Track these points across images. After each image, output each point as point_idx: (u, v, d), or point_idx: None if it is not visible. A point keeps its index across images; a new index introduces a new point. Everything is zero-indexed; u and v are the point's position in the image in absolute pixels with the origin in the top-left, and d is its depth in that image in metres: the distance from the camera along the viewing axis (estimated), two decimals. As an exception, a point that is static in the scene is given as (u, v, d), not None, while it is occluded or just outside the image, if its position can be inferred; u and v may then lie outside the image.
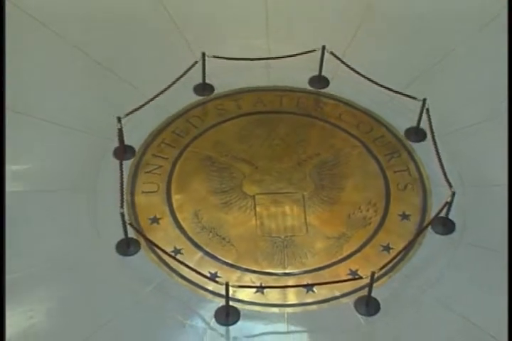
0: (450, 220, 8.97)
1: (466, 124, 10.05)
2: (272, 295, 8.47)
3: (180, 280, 8.61)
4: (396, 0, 11.92)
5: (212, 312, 8.29)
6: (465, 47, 11.19)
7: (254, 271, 8.71)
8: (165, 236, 8.97)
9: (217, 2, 11.74)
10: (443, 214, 8.81)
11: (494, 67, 10.82)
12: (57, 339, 8.26)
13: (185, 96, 10.35)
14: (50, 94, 10.51)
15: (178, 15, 11.48)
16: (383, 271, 8.38)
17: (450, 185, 8.77)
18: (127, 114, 9.30)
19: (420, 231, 8.85)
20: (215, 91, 10.57)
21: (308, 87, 10.64)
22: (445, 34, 11.42)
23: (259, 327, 8.32)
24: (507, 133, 9.97)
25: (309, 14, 11.58)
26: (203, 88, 10.52)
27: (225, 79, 10.53)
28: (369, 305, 8.31)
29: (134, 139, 9.81)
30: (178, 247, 8.83)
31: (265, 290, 8.48)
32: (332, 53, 10.15)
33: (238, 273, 8.68)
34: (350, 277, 8.49)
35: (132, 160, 9.69)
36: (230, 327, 8.23)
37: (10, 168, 9.53)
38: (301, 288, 8.47)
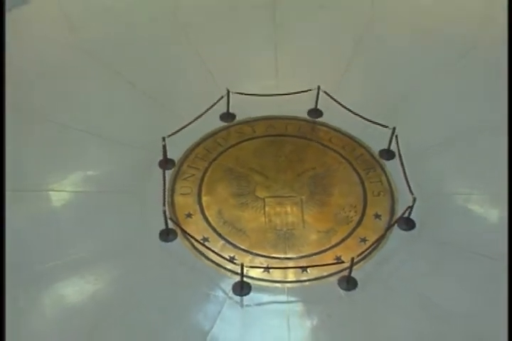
0: (411, 220, 9.34)
1: (426, 147, 10.28)
2: (276, 274, 8.88)
3: (206, 261, 9.00)
4: (374, 49, 11.98)
5: (231, 286, 8.71)
6: (429, 84, 11.32)
7: (262, 255, 9.10)
8: (196, 227, 9.32)
9: (242, 52, 11.89)
10: (406, 215, 9.22)
11: (451, 101, 11.08)
12: (117, 300, 8.62)
13: (213, 122, 10.59)
14: (111, 118, 10.75)
15: (209, 61, 11.61)
16: (360, 257, 8.83)
17: (412, 193, 9.15)
18: (169, 135, 9.64)
19: (389, 227, 9.26)
20: (236, 119, 10.81)
21: (307, 117, 10.90)
22: (414, 72, 11.52)
23: (265, 297, 8.72)
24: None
25: (309, 61, 11.72)
26: (227, 116, 10.78)
27: (244, 109, 10.70)
28: (349, 283, 8.73)
29: (174, 154, 10.09)
30: (206, 236, 9.22)
31: (271, 270, 8.87)
32: (325, 92, 10.45)
33: (250, 256, 9.05)
34: (335, 261, 8.90)
35: (172, 169, 10.01)
36: (244, 297, 8.66)
37: (85, 173, 9.98)
38: (298, 269, 8.88)
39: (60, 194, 9.73)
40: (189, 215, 9.52)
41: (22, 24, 12.16)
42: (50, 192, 9.73)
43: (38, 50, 11.80)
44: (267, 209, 9.61)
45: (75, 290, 8.68)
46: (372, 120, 10.17)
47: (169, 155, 9.99)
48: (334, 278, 8.84)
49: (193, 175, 10.03)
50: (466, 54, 11.75)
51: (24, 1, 12.36)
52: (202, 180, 9.98)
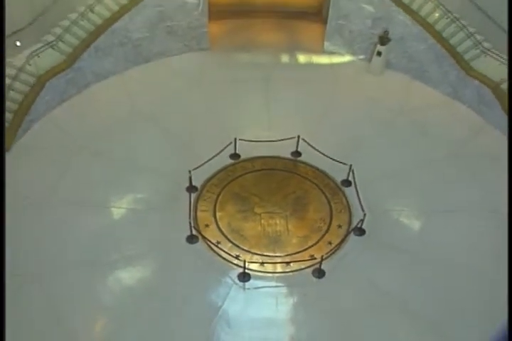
0: (363, 229, 9.71)
1: (373, 178, 10.57)
2: (268, 267, 9.22)
3: (219, 258, 9.30)
4: (338, 110, 12.20)
5: (236, 275, 9.08)
6: (376, 134, 11.55)
7: (259, 254, 9.39)
8: (212, 234, 9.60)
9: (245, 111, 12.09)
10: (359, 225, 9.61)
11: (390, 146, 11.30)
12: (156, 283, 8.92)
13: (224, 160, 10.83)
14: (155, 157, 10.93)
15: (222, 117, 11.88)
16: (327, 255, 9.18)
17: (363, 210, 9.60)
18: (194, 169, 10.02)
19: (347, 234, 9.63)
20: (241, 158, 11.04)
21: (291, 157, 11.14)
22: (364, 125, 11.78)
23: (260, 283, 9.07)
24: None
25: (292, 118, 11.94)
26: (234, 156, 10.98)
27: (246, 151, 10.96)
28: (319, 273, 9.11)
29: (197, 182, 10.36)
30: (219, 240, 9.51)
31: (265, 264, 9.22)
32: (303, 139, 10.82)
33: (250, 255, 9.36)
34: (310, 258, 9.21)
35: (196, 193, 10.29)
36: (246, 283, 9.01)
37: (135, 195, 10.20)
38: (284, 263, 9.21)
39: (119, 210, 10.07)
40: (207, 225, 9.81)
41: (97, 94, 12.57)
42: (112, 209, 10.06)
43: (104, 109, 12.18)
44: (262, 221, 9.89)
45: (128, 275, 9.07)
46: (336, 159, 10.51)
47: (193, 183, 10.28)
48: (309, 270, 9.19)
49: (210, 197, 10.31)
50: (400, 114, 12.15)
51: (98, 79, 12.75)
52: (216, 200, 10.23)
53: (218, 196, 10.32)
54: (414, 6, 12.56)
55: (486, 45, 12.07)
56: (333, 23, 13.47)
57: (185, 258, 9.30)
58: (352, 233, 9.64)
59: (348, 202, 10.25)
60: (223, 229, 9.74)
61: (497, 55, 11.70)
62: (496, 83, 11.65)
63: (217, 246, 9.32)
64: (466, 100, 12.30)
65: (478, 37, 12.21)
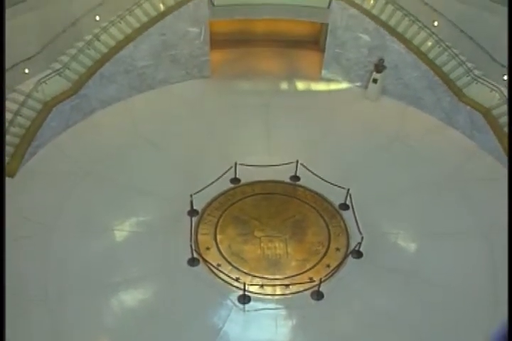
0: (360, 251, 9.81)
1: (370, 201, 10.70)
2: (268, 289, 9.29)
3: (219, 280, 9.37)
4: (335, 136, 12.37)
5: (236, 297, 9.15)
6: (371, 160, 11.73)
7: (258, 277, 9.46)
8: (212, 257, 9.68)
9: (246, 136, 12.29)
10: (357, 248, 9.70)
11: (385, 171, 11.44)
12: (158, 304, 8.96)
13: (225, 184, 11.00)
14: (157, 180, 11.02)
15: (223, 142, 12.09)
16: (326, 277, 9.26)
17: (360, 233, 9.71)
18: (195, 193, 10.15)
19: (345, 257, 9.71)
20: (241, 182, 11.17)
21: (290, 181, 11.29)
22: (361, 152, 11.89)
23: (260, 305, 9.14)
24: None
25: (291, 143, 12.15)
26: (235, 180, 11.19)
27: (246, 175, 11.08)
28: (318, 295, 9.20)
29: (198, 206, 10.49)
30: (219, 263, 9.59)
31: (264, 287, 9.28)
32: (302, 164, 10.99)
33: (250, 277, 9.43)
34: (309, 281, 9.30)
35: (197, 216, 10.40)
36: (246, 305, 9.08)
37: (138, 218, 10.33)
38: (283, 286, 9.27)
39: (121, 233, 10.21)
40: (208, 248, 9.91)
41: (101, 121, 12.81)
42: (115, 232, 10.21)
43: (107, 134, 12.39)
44: (262, 244, 9.97)
45: (130, 297, 9.18)
46: (334, 183, 10.66)
47: (194, 207, 10.42)
48: (308, 292, 9.27)
49: (211, 220, 10.43)
50: (395, 139, 12.37)
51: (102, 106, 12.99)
52: (217, 224, 10.35)
53: (219, 219, 10.43)
54: (408, 35, 12.99)
55: (476, 72, 12.45)
56: (330, 51, 13.87)
57: (187, 280, 9.38)
58: (350, 256, 9.73)
59: (345, 225, 10.37)
60: (224, 252, 9.82)
61: (487, 81, 12.04)
62: (487, 109, 11.97)
63: (217, 268, 9.40)
64: (459, 126, 12.60)
65: (470, 65, 12.60)
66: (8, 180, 10.50)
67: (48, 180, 11.01)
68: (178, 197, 10.57)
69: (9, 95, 11.56)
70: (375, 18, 12.95)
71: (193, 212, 10.42)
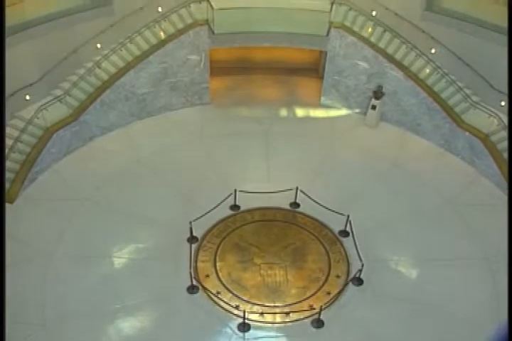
0: (361, 278, 9.80)
1: (370, 228, 10.75)
2: (268, 317, 9.27)
3: (219, 308, 9.36)
4: (333, 164, 12.46)
5: (236, 325, 9.13)
6: (370, 186, 11.77)
7: (258, 304, 9.46)
8: (212, 284, 9.68)
9: (244, 163, 12.32)
10: (357, 275, 9.70)
11: (385, 198, 11.53)
12: (157, 332, 8.92)
13: (224, 211, 11.03)
14: (154, 206, 11.03)
15: (222, 169, 12.12)
16: (326, 305, 9.27)
17: (361, 260, 9.71)
18: (194, 220, 10.17)
19: (345, 284, 9.71)
20: (241, 209, 11.22)
21: (289, 208, 11.32)
22: (360, 178, 12.00)
23: (260, 333, 9.12)
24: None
25: (290, 170, 12.17)
26: (234, 207, 11.24)
27: (246, 202, 11.13)
28: (318, 323, 9.18)
29: (198, 232, 10.51)
30: (219, 291, 9.58)
31: (264, 314, 9.28)
32: (301, 191, 11.05)
33: (250, 305, 9.42)
34: (309, 308, 9.29)
35: (196, 243, 10.42)
36: (246, 333, 9.04)
37: (137, 245, 10.34)
38: (283, 314, 9.26)
39: (120, 260, 10.21)
40: (207, 276, 9.90)
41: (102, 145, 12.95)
42: (114, 258, 10.21)
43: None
44: (261, 271, 9.98)
45: (129, 325, 9.14)
46: (334, 210, 10.71)
47: (194, 234, 10.44)
48: (308, 320, 9.25)
49: (211, 247, 10.45)
50: (395, 166, 12.49)
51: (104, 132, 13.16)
52: (216, 251, 10.36)
53: (218, 246, 10.46)
54: (406, 62, 13.20)
55: (474, 98, 12.60)
56: (329, 78, 14.08)
57: (186, 308, 9.36)
58: (350, 283, 9.73)
59: (346, 252, 10.37)
60: (223, 280, 9.82)
61: (485, 108, 12.20)
62: (485, 134, 12.11)
63: (217, 296, 9.40)
64: (458, 151, 12.72)
65: (467, 91, 12.76)
66: (7, 206, 10.52)
67: (48, 206, 11.07)
68: (177, 223, 10.60)
69: (10, 121, 11.65)
70: (373, 45, 13.16)
71: (192, 239, 10.44)
